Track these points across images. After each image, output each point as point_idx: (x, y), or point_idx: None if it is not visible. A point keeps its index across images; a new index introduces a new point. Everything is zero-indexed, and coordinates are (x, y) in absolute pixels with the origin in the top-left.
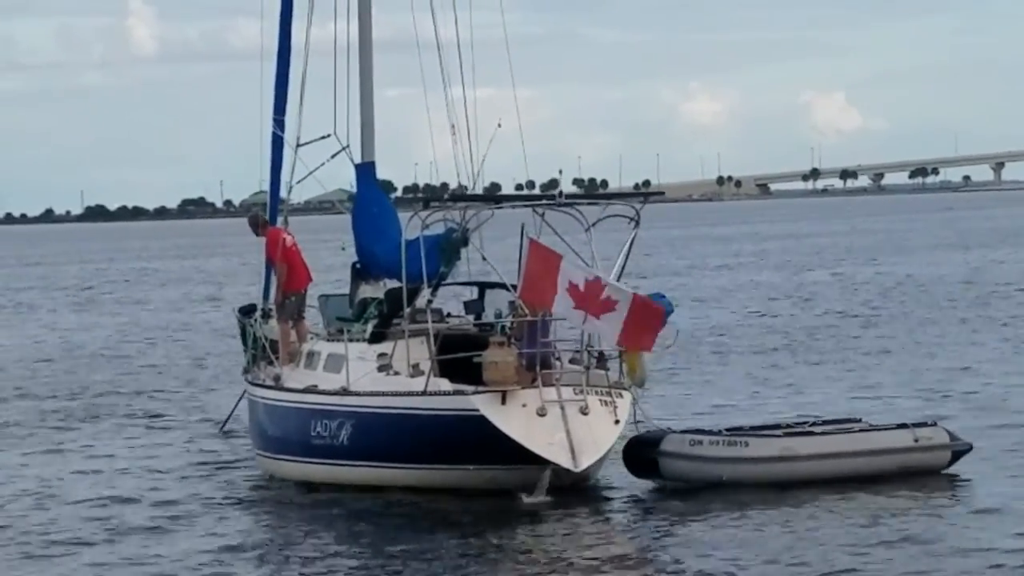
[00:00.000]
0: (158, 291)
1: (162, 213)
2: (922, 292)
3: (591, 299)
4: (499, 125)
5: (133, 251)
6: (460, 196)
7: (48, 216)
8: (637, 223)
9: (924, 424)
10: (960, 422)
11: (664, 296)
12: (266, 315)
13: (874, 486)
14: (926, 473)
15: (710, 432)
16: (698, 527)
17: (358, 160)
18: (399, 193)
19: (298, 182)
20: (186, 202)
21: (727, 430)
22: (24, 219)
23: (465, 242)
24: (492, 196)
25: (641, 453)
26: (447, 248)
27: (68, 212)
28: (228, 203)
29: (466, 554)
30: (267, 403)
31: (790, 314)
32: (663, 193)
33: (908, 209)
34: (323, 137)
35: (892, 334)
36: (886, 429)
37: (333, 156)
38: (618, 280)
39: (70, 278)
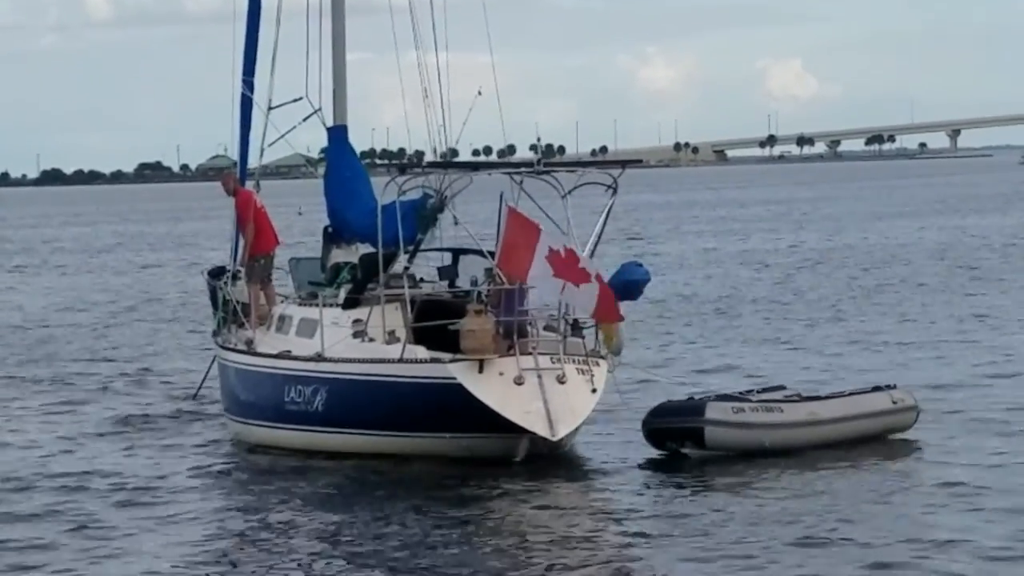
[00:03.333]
0: (127, 254)
1: (119, 177)
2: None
3: (571, 267)
4: (479, 93)
5: (100, 215)
6: (438, 163)
7: (3, 179)
8: (615, 190)
9: (890, 387)
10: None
11: (641, 264)
12: (235, 277)
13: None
14: (897, 434)
15: (741, 398)
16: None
17: (330, 123)
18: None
19: (270, 145)
20: (143, 166)
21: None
22: None
23: (442, 208)
24: (470, 163)
25: (680, 423)
26: (424, 214)
27: (24, 176)
28: (185, 167)
29: (441, 522)
30: (239, 367)
31: (734, 281)
32: (641, 161)
33: (865, 176)
34: (295, 100)
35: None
36: (865, 392)
37: (305, 119)
38: (595, 246)
39: (33, 241)
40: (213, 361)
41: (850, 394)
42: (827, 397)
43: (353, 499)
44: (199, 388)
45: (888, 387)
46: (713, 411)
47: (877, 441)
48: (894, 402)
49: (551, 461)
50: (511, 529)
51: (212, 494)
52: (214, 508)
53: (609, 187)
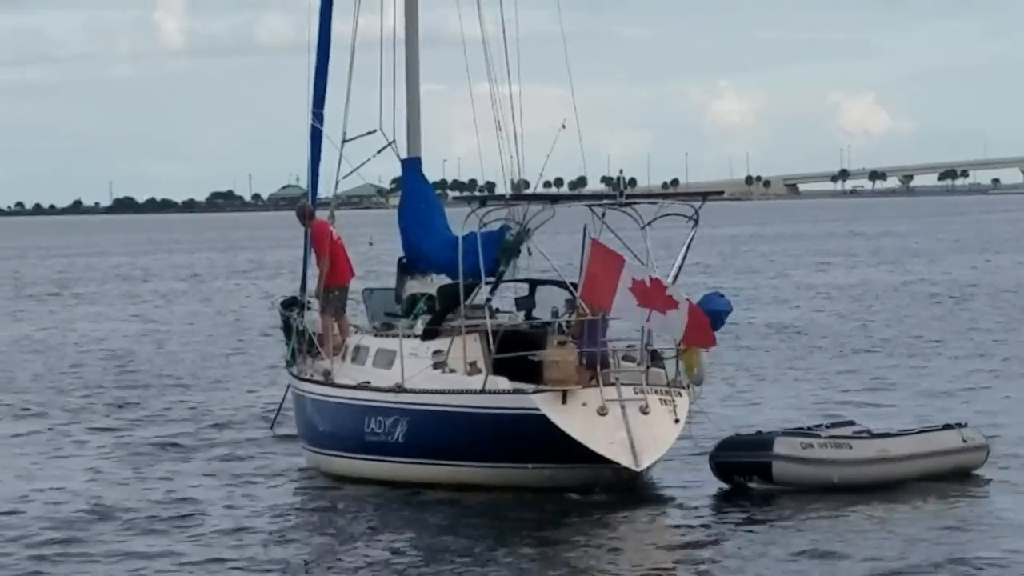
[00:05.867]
0: (208, 284)
1: (191, 206)
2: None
3: (656, 296)
4: (563, 126)
5: (183, 243)
6: (520, 195)
7: (77, 208)
8: (696, 222)
9: (961, 425)
10: None
11: (723, 295)
12: (306, 307)
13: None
14: (969, 473)
15: (810, 433)
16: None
17: (404, 155)
18: None
19: (344, 177)
20: (215, 195)
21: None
22: (53, 210)
23: (523, 240)
24: (551, 195)
25: (747, 457)
26: (505, 246)
27: (97, 204)
28: (256, 196)
29: (514, 551)
30: (317, 398)
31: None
32: (722, 192)
33: (941, 211)
34: (369, 132)
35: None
36: (935, 430)
37: (380, 151)
38: (676, 278)
39: (111, 268)
40: (287, 390)
41: (920, 431)
42: (897, 434)
43: (432, 529)
44: (275, 418)
45: (959, 425)
46: (781, 446)
47: (947, 480)
48: (964, 440)
49: (618, 491)
50: (578, 560)
51: (292, 523)
52: (296, 538)
53: (690, 219)
